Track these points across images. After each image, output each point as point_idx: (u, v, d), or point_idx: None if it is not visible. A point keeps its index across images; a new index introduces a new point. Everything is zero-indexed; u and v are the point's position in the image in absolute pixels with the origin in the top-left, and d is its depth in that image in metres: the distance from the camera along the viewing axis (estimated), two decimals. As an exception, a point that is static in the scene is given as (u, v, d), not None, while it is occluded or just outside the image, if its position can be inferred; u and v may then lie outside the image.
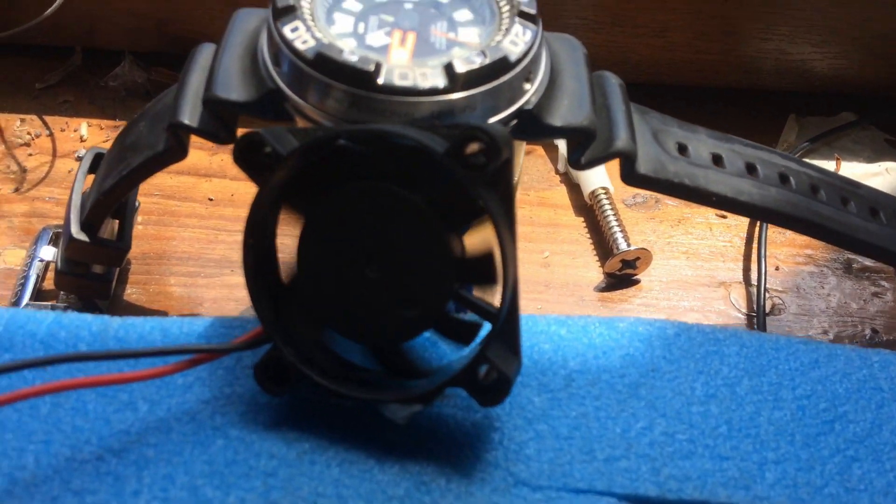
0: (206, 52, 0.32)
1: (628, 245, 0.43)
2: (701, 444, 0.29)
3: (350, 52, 0.26)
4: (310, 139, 0.25)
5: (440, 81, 0.26)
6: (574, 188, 0.47)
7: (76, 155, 0.47)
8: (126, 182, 0.33)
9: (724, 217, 0.46)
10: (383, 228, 0.26)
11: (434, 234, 0.25)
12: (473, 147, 0.25)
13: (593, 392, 0.30)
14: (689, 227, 0.46)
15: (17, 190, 0.46)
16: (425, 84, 0.26)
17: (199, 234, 0.45)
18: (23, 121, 0.49)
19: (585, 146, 0.30)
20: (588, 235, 0.45)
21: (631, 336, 0.31)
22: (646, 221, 0.46)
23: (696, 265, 0.44)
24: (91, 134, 0.48)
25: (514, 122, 0.29)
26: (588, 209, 0.46)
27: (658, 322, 0.32)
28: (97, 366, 0.28)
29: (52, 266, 0.41)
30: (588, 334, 0.31)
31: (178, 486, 0.27)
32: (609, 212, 0.44)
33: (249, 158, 0.26)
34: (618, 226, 0.43)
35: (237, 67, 0.29)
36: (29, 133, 0.48)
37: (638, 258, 0.43)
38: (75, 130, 0.48)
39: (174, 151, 0.31)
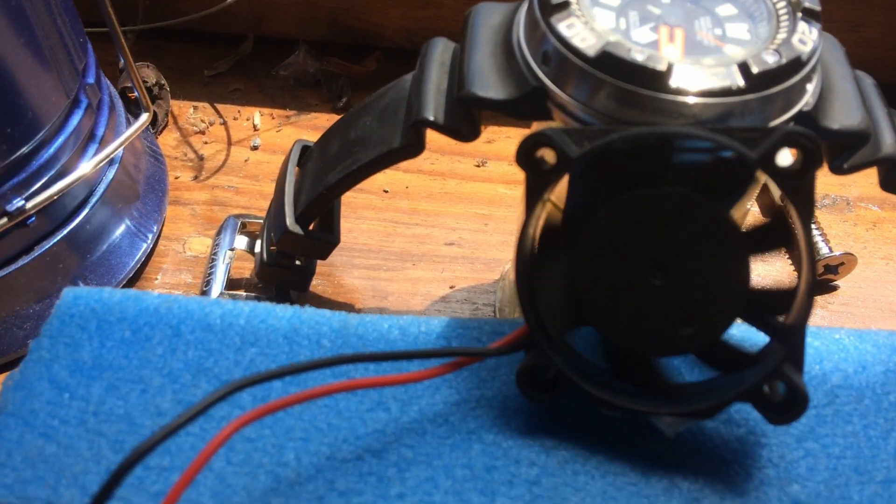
0: (440, 48, 0.31)
1: (830, 250, 0.41)
2: (977, 467, 0.27)
3: (637, 50, 0.25)
4: (602, 142, 0.24)
5: (736, 81, 0.25)
6: (763, 188, 0.45)
7: (251, 144, 0.47)
8: (353, 177, 0.32)
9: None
10: (677, 237, 0.24)
11: (734, 253, 0.24)
12: (786, 153, 0.23)
13: (860, 410, 0.28)
14: (885, 230, 0.44)
15: (196, 178, 0.45)
16: (719, 84, 0.25)
17: (377, 226, 0.44)
18: (196, 108, 0.49)
19: (853, 151, 0.29)
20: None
21: (889, 350, 0.30)
22: (839, 224, 0.44)
23: (896, 271, 0.42)
24: (263, 123, 0.48)
25: (792, 124, 0.27)
26: (778, 210, 0.44)
27: (915, 336, 0.30)
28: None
29: (238, 255, 0.41)
30: (844, 347, 0.30)
31: (443, 490, 0.26)
32: (806, 214, 0.42)
33: (534, 159, 0.25)
34: (817, 229, 0.42)
35: (491, 64, 0.29)
36: (203, 121, 0.48)
37: (842, 263, 0.41)
38: (248, 119, 0.48)
39: (413, 147, 0.30)
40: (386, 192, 0.46)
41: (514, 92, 0.28)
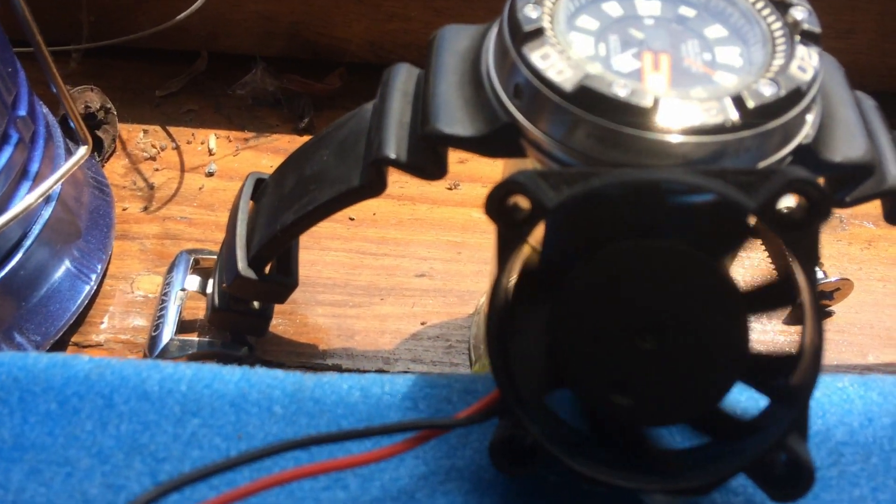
0: (403, 75, 0.28)
1: (825, 274, 0.38)
2: None
3: (620, 84, 0.22)
4: (582, 189, 0.21)
5: (730, 117, 0.22)
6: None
7: (206, 170, 0.44)
8: (310, 218, 0.29)
9: (921, 239, 0.42)
10: (668, 295, 0.22)
11: (732, 314, 0.21)
12: (786, 201, 0.21)
13: (867, 470, 0.26)
14: (882, 249, 0.42)
15: (146, 209, 0.42)
16: (711, 120, 0.22)
17: (343, 258, 0.41)
18: (146, 132, 0.45)
19: (856, 183, 0.26)
20: (770, 261, 0.41)
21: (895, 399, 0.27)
22: (832, 244, 0.42)
23: (894, 292, 0.40)
24: (219, 146, 0.45)
25: (790, 159, 0.25)
26: (784, 266, 0.42)
27: (921, 382, 0.28)
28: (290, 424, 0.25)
29: (191, 295, 0.37)
30: (848, 397, 0.27)
31: (408, 583, 0.23)
32: (798, 236, 0.40)
33: (505, 208, 0.22)
34: (811, 253, 0.39)
35: (457, 97, 0.26)
36: (154, 146, 0.45)
37: (837, 289, 0.38)
38: (202, 143, 0.45)
39: (373, 187, 0.28)
40: (352, 219, 0.43)
41: (483, 128, 0.25)
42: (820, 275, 0.38)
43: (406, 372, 0.37)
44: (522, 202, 0.22)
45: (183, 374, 0.27)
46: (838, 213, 0.43)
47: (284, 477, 0.23)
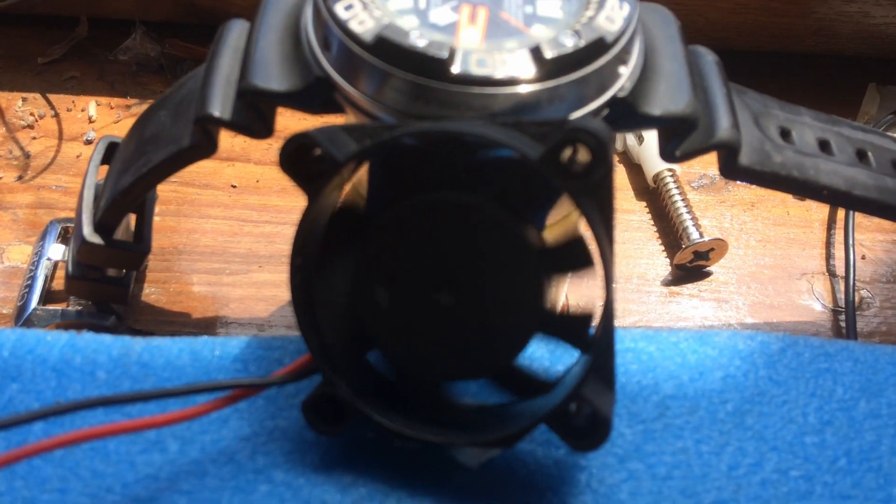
0: (236, 31, 0.28)
1: (701, 235, 0.38)
2: (819, 482, 0.25)
3: (417, 34, 0.22)
4: (372, 143, 0.21)
5: (526, 69, 0.22)
6: (634, 169, 0.43)
7: (85, 138, 0.43)
8: (146, 180, 0.29)
9: (802, 199, 0.42)
10: (464, 251, 0.22)
11: (526, 271, 0.21)
12: (570, 151, 0.20)
13: (692, 422, 0.26)
14: (764, 210, 0.42)
15: (20, 178, 0.41)
16: (507, 73, 0.22)
17: (223, 225, 0.41)
18: (25, 100, 0.44)
19: (683, 136, 0.26)
20: (652, 222, 0.41)
21: (730, 353, 0.27)
22: (715, 205, 0.42)
23: (774, 254, 0.40)
24: (100, 114, 0.44)
25: (606, 111, 0.24)
26: (651, 192, 0.42)
27: (759, 335, 0.28)
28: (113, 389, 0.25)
29: (60, 265, 0.37)
30: (681, 352, 0.27)
31: (219, 543, 0.23)
32: (677, 197, 0.40)
33: (299, 164, 0.22)
34: (688, 213, 0.39)
35: (277, 51, 0.25)
36: (32, 114, 0.44)
37: (712, 249, 0.38)
38: (83, 110, 0.44)
39: (202, 147, 0.27)
40: (234, 187, 0.42)
41: (298, 83, 0.25)
42: (696, 235, 0.38)
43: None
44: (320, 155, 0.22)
45: (6, 339, 0.26)
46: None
47: (93, 432, 0.22)
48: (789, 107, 0.30)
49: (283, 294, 0.38)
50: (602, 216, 0.21)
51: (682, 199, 0.40)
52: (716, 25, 0.45)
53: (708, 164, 0.43)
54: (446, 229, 0.22)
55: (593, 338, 0.22)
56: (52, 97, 0.44)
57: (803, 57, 0.47)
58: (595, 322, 0.22)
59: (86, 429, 0.22)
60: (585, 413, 0.22)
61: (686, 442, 0.25)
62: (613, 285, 0.21)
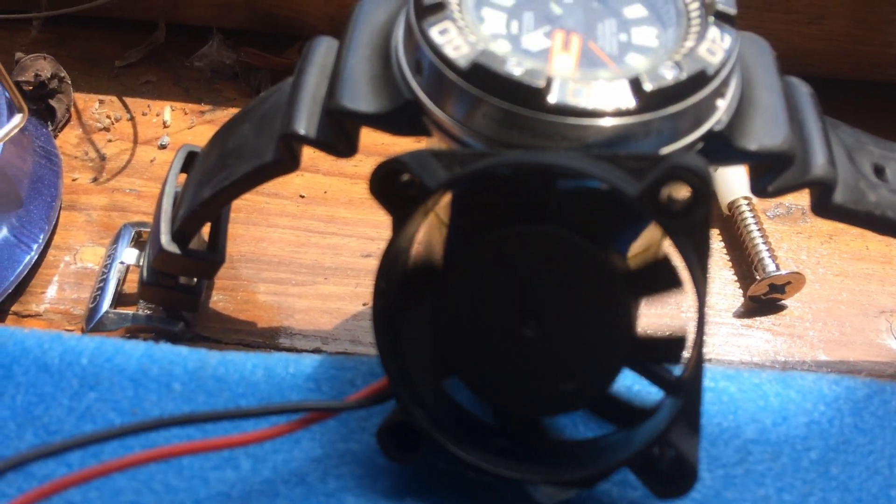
0: (323, 48, 0.28)
1: (777, 268, 0.37)
2: (905, 539, 0.24)
3: (514, 62, 0.22)
4: (463, 171, 0.21)
5: (624, 101, 0.21)
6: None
7: (159, 143, 0.43)
8: (227, 193, 0.29)
9: (882, 235, 0.41)
10: (550, 282, 0.21)
11: (615, 299, 0.21)
12: (669, 189, 0.20)
13: (775, 469, 0.25)
14: (842, 244, 0.40)
15: (95, 180, 0.42)
16: (604, 104, 0.21)
17: (290, 235, 0.41)
18: (102, 102, 0.45)
19: (778, 172, 0.25)
20: (725, 251, 0.40)
21: (815, 398, 0.26)
22: (792, 236, 0.41)
23: (851, 289, 0.39)
24: (174, 119, 0.44)
25: (700, 145, 0.24)
26: (725, 220, 0.41)
27: (845, 380, 0.27)
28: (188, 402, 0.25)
29: (132, 268, 0.37)
30: (763, 394, 0.26)
31: (290, 566, 0.23)
32: (753, 226, 0.39)
33: (389, 189, 0.21)
34: (764, 243, 0.38)
35: (366, 71, 0.25)
36: (108, 116, 0.44)
37: (789, 283, 0.37)
38: (157, 115, 0.44)
39: (285, 163, 0.27)
40: (302, 197, 0.42)
41: (387, 105, 0.24)
42: (772, 267, 0.37)
43: (343, 353, 0.37)
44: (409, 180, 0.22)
45: (85, 347, 0.27)
46: (800, 205, 0.42)
47: (163, 452, 0.22)
48: (884, 143, 0.29)
49: (348, 307, 0.38)
50: (698, 255, 0.20)
51: (758, 229, 0.39)
52: (797, 51, 0.44)
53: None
54: (529, 260, 0.21)
55: (681, 379, 0.22)
56: (128, 101, 0.45)
57: (889, 87, 0.45)
58: (686, 352, 0.22)
59: (162, 447, 0.22)
60: (669, 457, 0.22)
61: (768, 490, 0.25)
62: (706, 328, 0.20)
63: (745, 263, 0.39)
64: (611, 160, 0.21)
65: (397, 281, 0.23)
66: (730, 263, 0.40)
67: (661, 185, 0.20)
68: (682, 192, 0.20)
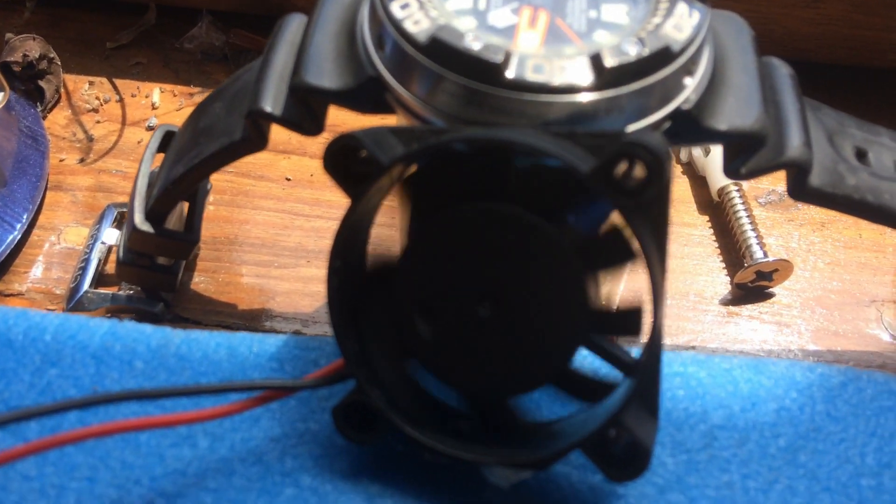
0: (294, 25, 0.27)
1: (765, 255, 0.37)
2: (873, 530, 0.24)
3: (473, 36, 0.21)
4: (419, 147, 0.20)
5: (584, 77, 0.21)
6: (698, 181, 0.41)
7: (147, 124, 0.43)
8: (197, 171, 0.29)
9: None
10: (504, 261, 0.21)
11: (570, 275, 0.20)
12: (625, 166, 0.19)
13: (740, 455, 0.24)
14: (834, 231, 0.40)
15: (82, 160, 0.42)
16: (564, 80, 0.21)
17: (275, 217, 0.40)
18: (91, 84, 0.45)
19: (750, 153, 0.24)
20: (713, 238, 0.39)
21: (787, 384, 0.26)
22: (783, 224, 0.40)
23: (842, 278, 0.38)
24: (163, 101, 0.44)
25: (668, 124, 0.23)
26: (715, 207, 0.40)
27: (820, 367, 0.27)
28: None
29: (115, 249, 0.37)
30: (733, 380, 0.26)
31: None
32: (742, 213, 0.38)
33: (343, 165, 0.21)
34: (752, 230, 0.37)
35: (331, 48, 0.25)
36: (97, 98, 0.44)
37: (776, 270, 0.37)
38: (147, 96, 0.44)
39: (252, 141, 0.27)
40: (288, 179, 0.42)
41: (350, 82, 0.24)
42: (759, 254, 0.37)
43: (315, 335, 0.37)
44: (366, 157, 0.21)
45: (49, 323, 0.27)
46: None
47: (121, 426, 0.22)
48: (868, 126, 0.28)
49: (330, 291, 0.38)
50: (654, 236, 0.20)
51: (748, 216, 0.38)
52: (794, 35, 0.43)
53: (777, 180, 0.42)
54: (484, 239, 0.21)
55: (638, 361, 0.21)
56: (117, 82, 0.45)
57: (887, 72, 0.44)
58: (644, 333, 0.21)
59: (119, 421, 0.22)
60: (625, 441, 0.21)
61: (732, 476, 0.24)
62: (662, 310, 0.20)
63: (733, 251, 0.38)
64: (569, 137, 0.20)
65: (355, 259, 0.22)
66: (718, 251, 0.39)
67: (614, 162, 0.19)
68: (640, 170, 0.20)
